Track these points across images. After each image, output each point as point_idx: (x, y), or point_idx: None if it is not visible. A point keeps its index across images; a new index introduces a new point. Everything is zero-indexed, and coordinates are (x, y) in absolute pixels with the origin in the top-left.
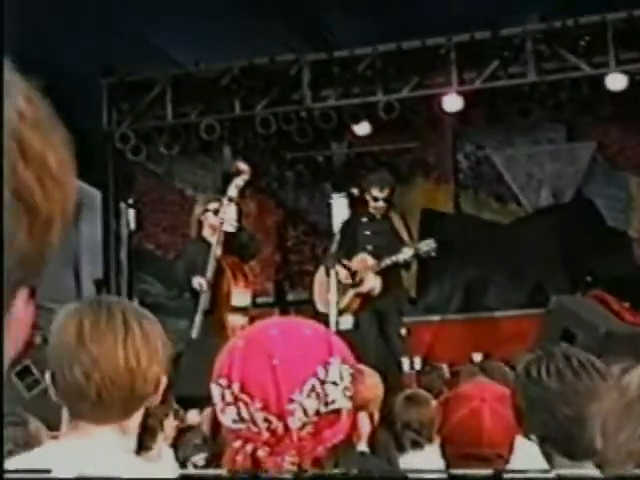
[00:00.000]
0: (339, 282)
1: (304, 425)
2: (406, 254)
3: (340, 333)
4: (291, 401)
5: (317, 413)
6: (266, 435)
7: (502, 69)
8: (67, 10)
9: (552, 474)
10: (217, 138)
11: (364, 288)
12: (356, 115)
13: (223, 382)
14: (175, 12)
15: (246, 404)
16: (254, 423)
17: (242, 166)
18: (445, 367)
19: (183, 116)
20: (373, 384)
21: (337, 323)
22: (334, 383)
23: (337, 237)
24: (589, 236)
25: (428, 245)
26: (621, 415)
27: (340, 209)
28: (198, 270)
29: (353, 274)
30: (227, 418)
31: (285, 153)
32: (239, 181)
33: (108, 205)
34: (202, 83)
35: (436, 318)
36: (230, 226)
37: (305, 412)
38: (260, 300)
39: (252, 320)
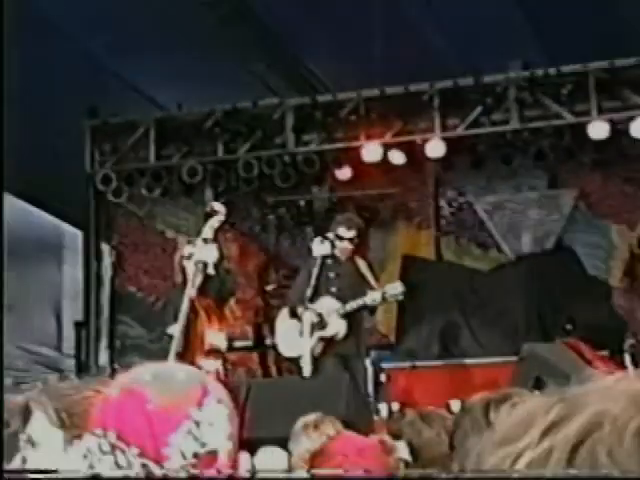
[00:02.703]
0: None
1: (182, 468)
2: (372, 297)
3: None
4: (167, 444)
5: (195, 455)
6: None
7: (485, 116)
8: (51, 49)
9: None
10: (199, 181)
11: (328, 332)
12: (339, 160)
13: (98, 432)
14: (159, 55)
15: (123, 452)
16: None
17: (217, 207)
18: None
19: (166, 158)
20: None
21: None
22: (210, 424)
23: (303, 279)
24: (570, 284)
25: (395, 289)
26: (491, 447)
27: (321, 253)
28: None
29: (318, 317)
30: (104, 467)
31: (267, 197)
32: (214, 222)
33: (89, 246)
34: (185, 126)
35: (415, 364)
36: (202, 269)
37: (182, 455)
38: (239, 344)
39: (227, 363)
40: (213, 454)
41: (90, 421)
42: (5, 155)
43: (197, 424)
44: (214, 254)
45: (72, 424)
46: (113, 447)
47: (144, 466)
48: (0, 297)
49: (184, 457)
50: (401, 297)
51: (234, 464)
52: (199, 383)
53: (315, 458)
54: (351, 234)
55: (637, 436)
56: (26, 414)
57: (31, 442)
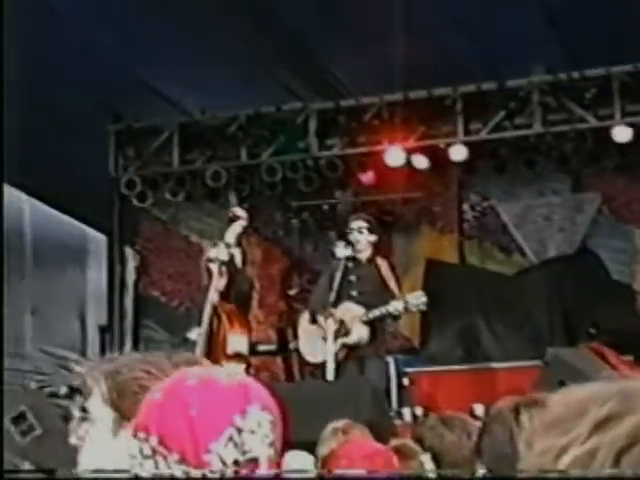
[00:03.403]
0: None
1: (222, 475)
2: (395, 307)
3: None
4: (208, 451)
5: (235, 463)
6: None
7: (508, 120)
8: (77, 55)
9: None
10: (223, 185)
11: (352, 339)
12: (362, 164)
13: (141, 436)
14: (182, 59)
15: (164, 457)
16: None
17: (239, 212)
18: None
19: (189, 163)
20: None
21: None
22: (252, 431)
23: (324, 283)
24: (593, 288)
25: (418, 298)
26: (543, 429)
27: (343, 255)
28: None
29: (340, 323)
30: (145, 472)
31: (290, 201)
32: (236, 227)
33: (113, 251)
34: (209, 131)
35: (438, 368)
36: (224, 273)
37: (223, 462)
38: (262, 348)
39: (253, 368)
40: (254, 461)
41: (133, 423)
42: (30, 159)
43: (239, 431)
44: (236, 259)
45: (121, 406)
46: (154, 452)
47: (185, 473)
48: (0, 296)
49: (224, 464)
50: (423, 307)
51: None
52: (243, 389)
53: (324, 461)
54: (362, 224)
55: None
56: (85, 388)
57: (88, 418)
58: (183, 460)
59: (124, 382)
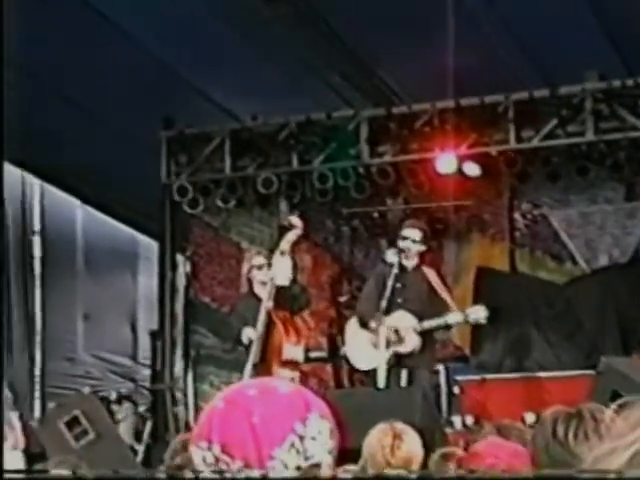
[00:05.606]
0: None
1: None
2: (455, 319)
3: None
4: (271, 458)
5: (298, 468)
6: None
7: (560, 127)
8: (129, 62)
9: None
10: (274, 192)
11: (406, 348)
12: (413, 171)
13: (203, 445)
14: (234, 65)
15: (227, 464)
16: None
17: (295, 220)
18: (490, 426)
19: (241, 169)
20: (414, 444)
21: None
22: (313, 438)
23: (370, 289)
24: None
25: (477, 313)
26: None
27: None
28: (249, 324)
29: (395, 332)
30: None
31: (341, 208)
32: (291, 235)
33: (164, 256)
34: (260, 137)
35: (489, 377)
36: (281, 279)
37: (286, 467)
38: (314, 354)
39: (303, 374)
40: (316, 467)
41: (195, 432)
42: (83, 166)
43: (301, 438)
44: (290, 267)
45: None
46: (217, 460)
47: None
48: (0, 301)
49: (287, 470)
50: (484, 321)
51: (335, 478)
52: (302, 398)
53: (466, 461)
54: (416, 234)
55: None
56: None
57: None
58: (246, 466)
59: None
